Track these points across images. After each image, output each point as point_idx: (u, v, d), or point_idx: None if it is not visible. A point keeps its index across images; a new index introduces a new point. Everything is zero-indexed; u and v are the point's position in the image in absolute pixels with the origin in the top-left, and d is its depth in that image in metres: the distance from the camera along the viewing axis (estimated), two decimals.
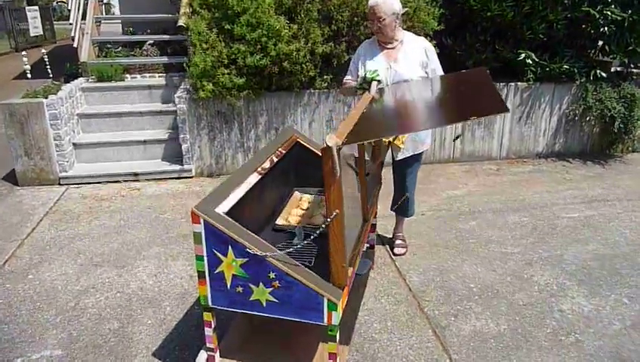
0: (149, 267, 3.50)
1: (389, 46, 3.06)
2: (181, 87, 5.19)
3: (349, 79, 3.17)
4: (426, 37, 4.99)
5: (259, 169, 2.60)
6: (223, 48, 4.62)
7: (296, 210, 2.88)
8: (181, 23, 5.03)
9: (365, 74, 2.80)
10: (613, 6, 4.92)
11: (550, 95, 5.46)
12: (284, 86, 4.94)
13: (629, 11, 4.96)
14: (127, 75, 5.97)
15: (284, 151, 2.93)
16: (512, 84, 5.36)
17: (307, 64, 4.77)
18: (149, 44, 6.70)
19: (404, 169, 3.32)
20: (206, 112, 4.97)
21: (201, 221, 2.05)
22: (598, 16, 4.90)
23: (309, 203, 2.99)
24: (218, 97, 4.83)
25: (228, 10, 4.61)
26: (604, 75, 5.28)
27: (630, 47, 5.18)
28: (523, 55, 5.11)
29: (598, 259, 3.60)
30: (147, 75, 6.01)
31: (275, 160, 2.80)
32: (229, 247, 2.06)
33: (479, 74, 2.59)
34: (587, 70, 5.32)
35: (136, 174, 5.06)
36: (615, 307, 3.05)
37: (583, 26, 5.09)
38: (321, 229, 2.40)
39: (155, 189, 4.89)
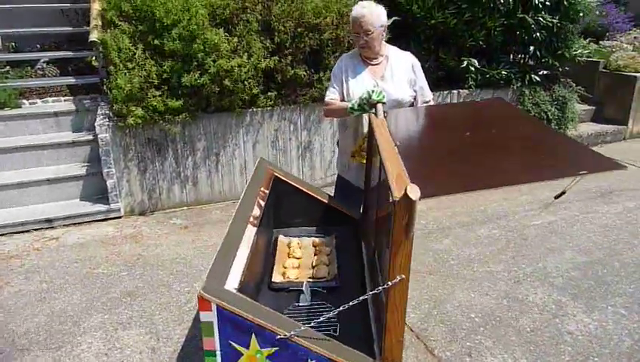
0: (95, 343, 2.81)
1: (374, 62, 2.70)
2: (100, 112, 4.42)
3: (334, 99, 2.78)
4: None
5: (251, 219, 2.11)
6: (152, 67, 3.98)
7: (290, 260, 2.41)
8: (94, 37, 4.28)
9: (370, 94, 2.42)
10: (544, 12, 5.02)
11: None
12: (224, 106, 4.40)
13: (557, 17, 5.11)
14: (25, 101, 5.01)
15: (267, 192, 2.46)
16: (455, 91, 5.30)
17: (250, 81, 4.28)
18: (43, 62, 5.74)
19: None
20: (134, 141, 4.28)
21: (214, 307, 1.53)
22: (531, 22, 4.98)
23: (300, 248, 2.54)
24: (149, 123, 4.17)
25: (155, 23, 3.98)
26: (537, 78, 5.41)
27: (559, 52, 5.34)
28: (466, 62, 5.05)
29: (579, 268, 3.55)
30: (50, 99, 5.09)
31: (263, 204, 2.32)
32: (252, 336, 1.56)
33: (504, 107, 2.31)
34: (522, 75, 5.42)
35: (49, 220, 4.21)
36: (616, 321, 2.96)
37: (518, 32, 5.15)
38: (333, 284, 2.21)
39: (79, 237, 4.09)
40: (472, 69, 5.11)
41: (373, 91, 2.39)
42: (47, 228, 4.19)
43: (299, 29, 4.38)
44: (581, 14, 5.21)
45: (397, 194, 1.50)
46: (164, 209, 4.56)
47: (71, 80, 5.20)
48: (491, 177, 1.55)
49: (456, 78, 5.33)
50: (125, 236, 4.10)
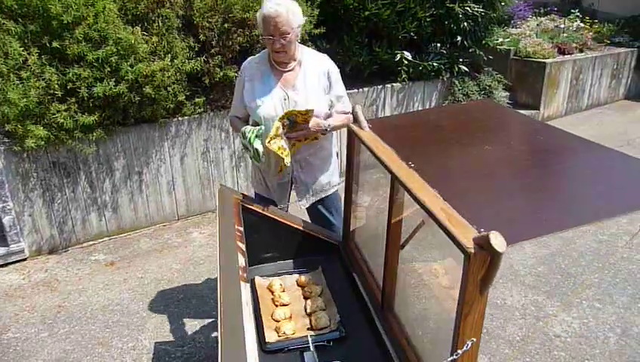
0: None
1: (286, 68, 2.30)
2: None
3: (235, 117, 2.44)
4: (303, 43, 4.39)
5: (240, 273, 1.67)
6: (52, 75, 3.26)
7: (279, 309, 1.99)
8: None
9: (244, 134, 2.18)
10: (469, 1, 4.99)
11: (421, 92, 5.39)
12: (145, 117, 3.78)
13: (481, 6, 5.11)
14: None
15: (242, 230, 2.02)
16: (389, 85, 5.11)
17: (174, 86, 3.70)
18: None
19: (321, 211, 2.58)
20: (35, 166, 3.51)
21: None
22: (460, 11, 4.92)
23: (284, 291, 2.13)
24: (53, 144, 3.43)
25: (51, 21, 3.25)
26: (465, 69, 5.40)
27: (483, 41, 5.37)
28: (399, 55, 4.87)
29: (543, 262, 3.52)
30: None
31: (244, 248, 1.88)
32: None
33: (495, 110, 2.06)
34: (450, 66, 5.37)
35: None
36: (595, 316, 2.94)
37: (446, 22, 5.07)
38: (338, 334, 1.86)
39: None
40: (405, 61, 4.94)
41: (250, 129, 2.19)
42: None
43: (226, 25, 3.87)
44: (503, 3, 5.26)
45: (467, 242, 1.18)
46: (80, 243, 3.84)
47: None
48: (581, 210, 1.27)
49: (389, 72, 5.14)
50: (36, 283, 3.36)
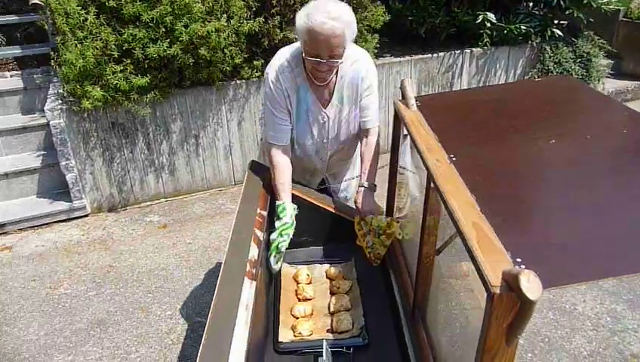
0: None
1: (322, 83, 1.86)
2: (52, 92, 3.68)
3: (281, 145, 1.94)
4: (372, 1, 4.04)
5: (247, 268, 1.50)
6: (109, 35, 3.23)
7: (299, 305, 1.82)
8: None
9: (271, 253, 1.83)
10: None
11: (505, 59, 4.83)
12: (202, 80, 3.68)
13: None
14: None
15: (265, 215, 1.84)
16: (467, 50, 4.62)
17: (231, 48, 3.55)
18: None
19: None
20: (96, 126, 3.57)
21: None
22: None
23: (310, 284, 1.95)
24: (111, 105, 3.45)
25: None
26: (560, 33, 4.74)
27: (585, 1, 4.65)
28: (481, 17, 4.35)
29: None
30: None
31: (261, 237, 1.71)
32: None
33: (577, 90, 1.67)
34: (542, 30, 4.74)
35: (1, 225, 3.55)
36: None
37: None
38: (360, 342, 1.64)
39: (37, 244, 3.45)
40: (488, 24, 4.41)
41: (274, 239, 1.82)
42: None
43: None
44: None
45: (493, 277, 0.91)
46: (138, 203, 3.91)
47: (17, 50, 4.39)
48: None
49: (469, 35, 4.63)
50: (93, 241, 3.47)
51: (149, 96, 3.47)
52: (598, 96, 1.70)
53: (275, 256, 1.82)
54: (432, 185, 1.35)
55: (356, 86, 1.91)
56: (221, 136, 3.99)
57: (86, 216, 3.75)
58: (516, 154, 1.39)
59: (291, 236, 1.86)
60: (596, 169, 1.28)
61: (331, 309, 1.81)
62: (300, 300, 1.88)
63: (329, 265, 2.05)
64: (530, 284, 0.81)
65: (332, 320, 1.75)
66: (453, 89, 4.75)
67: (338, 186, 2.28)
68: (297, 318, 1.77)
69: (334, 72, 1.84)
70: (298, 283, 1.94)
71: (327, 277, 2.00)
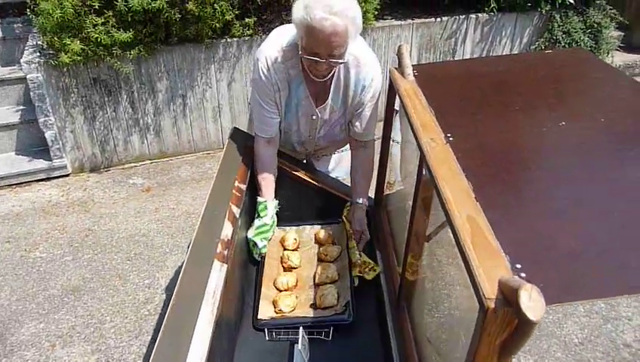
0: None
1: (321, 79, 1.64)
2: (29, 43, 3.46)
3: (268, 136, 1.77)
4: None
5: (218, 249, 1.37)
6: None
7: (284, 277, 1.70)
8: None
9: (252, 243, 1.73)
10: None
11: (512, 27, 4.59)
12: (190, 36, 3.46)
13: None
14: None
15: (244, 189, 1.70)
16: (472, 16, 4.38)
17: (221, 4, 3.32)
18: None
19: None
20: (76, 82, 3.37)
21: None
22: None
23: (296, 247, 1.84)
24: (92, 60, 3.24)
25: None
26: (571, 1, 4.49)
27: None
28: None
29: None
30: None
31: (237, 212, 1.57)
32: None
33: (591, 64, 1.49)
34: None
35: None
36: None
37: None
38: (345, 318, 1.53)
39: (14, 204, 3.31)
40: None
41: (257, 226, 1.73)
42: None
43: None
44: None
45: (487, 287, 0.78)
46: (121, 164, 3.76)
47: None
48: None
49: (474, 0, 4.38)
50: (72, 202, 3.33)
51: (132, 52, 3.26)
52: (612, 73, 1.54)
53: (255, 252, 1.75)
54: (424, 167, 1.20)
55: (357, 93, 1.72)
56: (210, 96, 3.80)
57: (67, 175, 3.60)
58: (522, 136, 1.24)
59: (270, 238, 1.78)
60: (612, 157, 1.13)
61: (316, 280, 1.69)
62: (284, 269, 1.76)
63: (319, 226, 1.93)
64: (531, 303, 0.68)
65: (316, 294, 1.63)
66: (456, 56, 4.53)
67: (323, 167, 2.14)
68: (280, 291, 1.66)
69: (334, 71, 1.65)
70: (284, 249, 1.82)
71: (315, 242, 1.89)
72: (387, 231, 1.89)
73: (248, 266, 1.78)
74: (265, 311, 1.59)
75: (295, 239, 1.88)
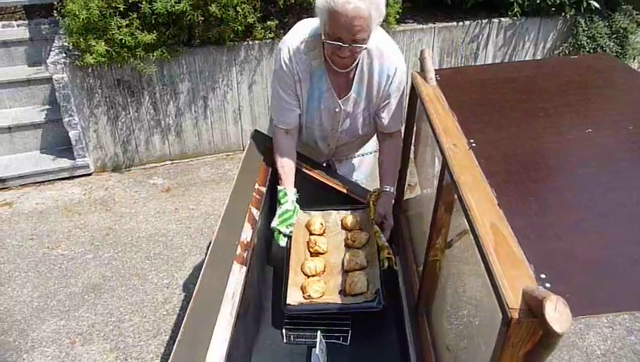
0: None
1: (343, 69, 1.66)
2: (56, 44, 3.53)
3: (288, 128, 1.78)
4: None
5: (238, 252, 1.38)
6: None
7: (311, 262, 1.66)
8: None
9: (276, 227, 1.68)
10: None
11: (535, 32, 4.53)
12: (212, 39, 3.50)
13: None
14: None
15: (264, 191, 1.70)
16: (495, 20, 4.33)
17: (243, 6, 3.35)
18: None
19: None
20: (100, 83, 3.43)
21: None
22: None
23: (322, 232, 1.80)
24: (116, 61, 3.30)
25: None
26: (597, 5, 4.41)
27: None
28: None
29: None
30: None
31: (257, 215, 1.58)
32: None
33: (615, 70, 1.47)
34: (577, 1, 4.41)
35: (2, 179, 3.48)
36: None
37: None
38: (374, 305, 1.49)
39: (37, 201, 3.38)
40: None
41: (281, 214, 1.69)
42: None
43: None
44: None
45: (510, 297, 0.76)
46: (142, 164, 3.81)
47: None
48: None
49: (497, 3, 4.34)
50: (94, 201, 3.38)
51: (155, 53, 3.30)
52: (639, 79, 1.50)
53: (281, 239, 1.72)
54: (446, 173, 1.19)
55: (381, 83, 1.72)
56: (230, 99, 3.83)
57: (89, 174, 3.66)
58: (546, 143, 1.21)
59: (294, 223, 1.74)
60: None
61: (345, 266, 1.67)
62: (311, 254, 1.74)
63: (347, 211, 1.89)
64: (557, 314, 0.67)
65: (345, 281, 1.61)
66: (477, 61, 4.49)
67: (344, 170, 2.13)
68: (308, 276, 1.64)
69: (357, 58, 1.64)
70: (311, 234, 1.80)
71: (342, 228, 1.86)
72: (407, 236, 1.87)
73: (266, 268, 1.78)
74: (294, 297, 1.55)
75: (321, 224, 1.83)
